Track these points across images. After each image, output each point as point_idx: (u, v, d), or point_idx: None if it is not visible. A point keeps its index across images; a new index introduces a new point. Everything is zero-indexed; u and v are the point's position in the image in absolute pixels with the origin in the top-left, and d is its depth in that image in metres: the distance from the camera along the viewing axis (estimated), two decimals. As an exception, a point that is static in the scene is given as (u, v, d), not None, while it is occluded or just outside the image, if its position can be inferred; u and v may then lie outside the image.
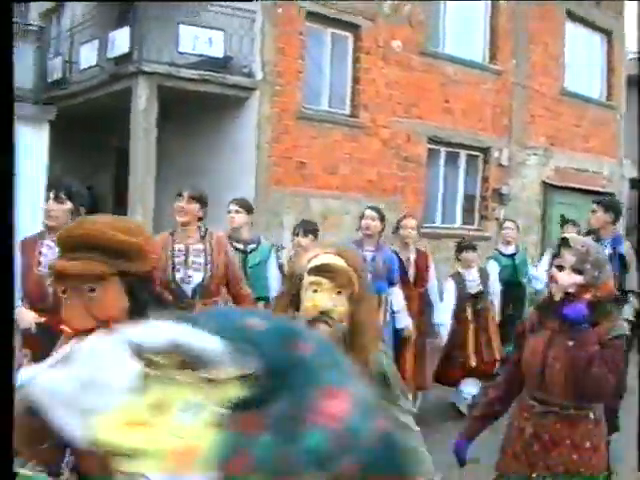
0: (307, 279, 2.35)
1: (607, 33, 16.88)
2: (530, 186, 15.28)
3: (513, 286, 8.45)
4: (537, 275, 8.32)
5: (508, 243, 8.76)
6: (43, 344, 3.03)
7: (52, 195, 4.47)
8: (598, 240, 5.56)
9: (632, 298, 5.87)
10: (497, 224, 13.06)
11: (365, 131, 12.68)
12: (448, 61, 13.77)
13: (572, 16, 15.84)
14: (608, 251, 5.71)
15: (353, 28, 12.60)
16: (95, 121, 13.95)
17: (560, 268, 3.14)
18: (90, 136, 14.74)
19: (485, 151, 14.52)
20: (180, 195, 5.08)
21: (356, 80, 12.66)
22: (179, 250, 5.01)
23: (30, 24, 13.20)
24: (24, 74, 11.97)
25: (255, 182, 11.58)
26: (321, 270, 2.33)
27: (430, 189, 13.79)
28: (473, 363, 7.39)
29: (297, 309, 2.37)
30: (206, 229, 5.17)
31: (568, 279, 3.10)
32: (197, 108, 12.12)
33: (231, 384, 1.10)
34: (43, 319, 4.17)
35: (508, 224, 9.02)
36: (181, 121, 12.43)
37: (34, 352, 4.10)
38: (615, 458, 4.03)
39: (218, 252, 5.05)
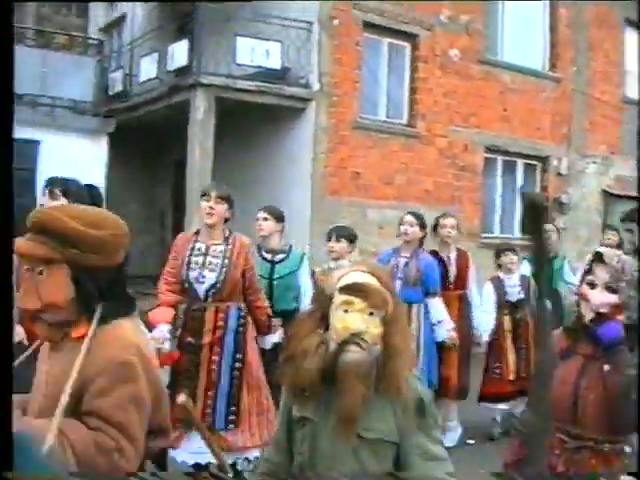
0: (337, 298, 2.21)
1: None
2: (590, 195, 14.99)
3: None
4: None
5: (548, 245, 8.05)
6: None
7: (46, 191, 4.45)
8: None
9: None
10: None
11: (421, 140, 12.60)
12: (506, 69, 13.62)
13: (631, 23, 15.52)
14: None
15: (410, 38, 12.57)
16: (154, 133, 14.16)
17: (592, 286, 2.85)
18: (149, 148, 14.98)
19: (544, 160, 14.30)
20: (207, 195, 4.84)
21: (413, 90, 12.61)
22: (198, 249, 4.84)
23: (90, 38, 13.46)
24: (85, 88, 12.21)
25: (311, 192, 11.61)
26: (353, 289, 2.19)
27: (487, 199, 13.64)
28: (511, 377, 6.75)
29: (326, 329, 2.24)
30: (230, 231, 4.96)
31: (601, 298, 2.80)
32: (254, 119, 12.20)
33: None
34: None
35: (548, 226, 8.13)
36: (238, 132, 12.52)
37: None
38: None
39: (237, 256, 4.82)
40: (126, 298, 2.18)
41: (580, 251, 12.10)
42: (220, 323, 4.78)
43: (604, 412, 2.78)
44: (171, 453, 4.46)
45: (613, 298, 2.81)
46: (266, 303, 5.14)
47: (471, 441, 6.72)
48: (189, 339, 4.79)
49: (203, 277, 4.77)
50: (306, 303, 5.35)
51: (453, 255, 6.69)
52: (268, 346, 5.16)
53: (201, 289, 4.79)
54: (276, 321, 5.25)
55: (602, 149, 15.11)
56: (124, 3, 15.92)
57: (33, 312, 1.99)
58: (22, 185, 10.12)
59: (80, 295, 2.00)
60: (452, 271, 6.64)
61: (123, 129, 12.66)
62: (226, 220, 4.94)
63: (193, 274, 4.78)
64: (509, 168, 14.15)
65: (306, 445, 2.25)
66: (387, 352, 2.19)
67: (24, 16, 13.42)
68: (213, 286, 4.77)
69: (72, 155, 11.23)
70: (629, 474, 2.34)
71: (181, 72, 12.13)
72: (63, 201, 4.31)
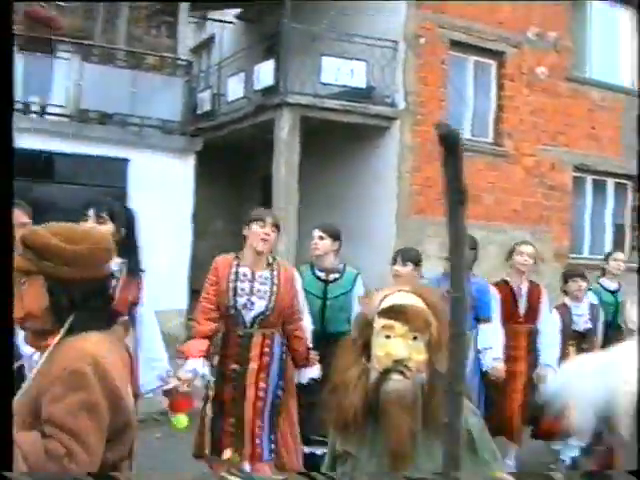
0: (378, 322, 2.05)
1: None
2: (683, 215, 14.51)
3: (612, 328, 6.86)
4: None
5: (614, 276, 7.13)
6: None
7: (92, 213, 4.15)
8: None
9: None
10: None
11: (508, 160, 12.44)
12: (594, 86, 13.39)
13: None
14: None
15: (497, 55, 12.47)
16: (240, 151, 14.37)
17: None
18: (235, 166, 15.21)
19: (634, 179, 13.92)
20: (261, 220, 4.63)
21: (500, 108, 12.50)
22: (244, 274, 4.66)
23: (179, 59, 13.75)
24: (173, 107, 12.45)
25: (396, 211, 11.58)
26: (393, 312, 2.03)
27: (576, 219, 13.34)
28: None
29: (368, 358, 2.08)
30: (274, 257, 4.83)
31: None
32: (339, 138, 12.28)
33: None
34: None
35: (618, 254, 7.43)
36: (323, 150, 12.60)
37: None
38: None
39: (285, 282, 4.69)
40: (103, 311, 2.23)
41: None
42: (266, 349, 4.65)
43: None
44: None
45: None
46: (306, 334, 4.96)
47: None
48: (233, 366, 4.62)
49: (252, 304, 4.62)
50: None
51: (525, 286, 6.19)
52: (304, 380, 4.90)
53: (249, 316, 4.64)
54: (314, 354, 4.95)
55: (695, 168, 14.61)
56: (214, 24, 16.33)
57: (18, 320, 2.11)
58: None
59: (52, 306, 2.12)
60: (522, 303, 6.17)
61: (210, 148, 12.88)
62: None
63: (241, 300, 4.63)
64: (599, 187, 13.86)
65: None
66: (433, 380, 2.02)
67: (116, 37, 13.78)
68: (262, 313, 4.64)
69: (160, 173, 11.46)
70: (629, 473, 2.15)
71: (267, 91, 12.30)
72: (110, 225, 4.14)
